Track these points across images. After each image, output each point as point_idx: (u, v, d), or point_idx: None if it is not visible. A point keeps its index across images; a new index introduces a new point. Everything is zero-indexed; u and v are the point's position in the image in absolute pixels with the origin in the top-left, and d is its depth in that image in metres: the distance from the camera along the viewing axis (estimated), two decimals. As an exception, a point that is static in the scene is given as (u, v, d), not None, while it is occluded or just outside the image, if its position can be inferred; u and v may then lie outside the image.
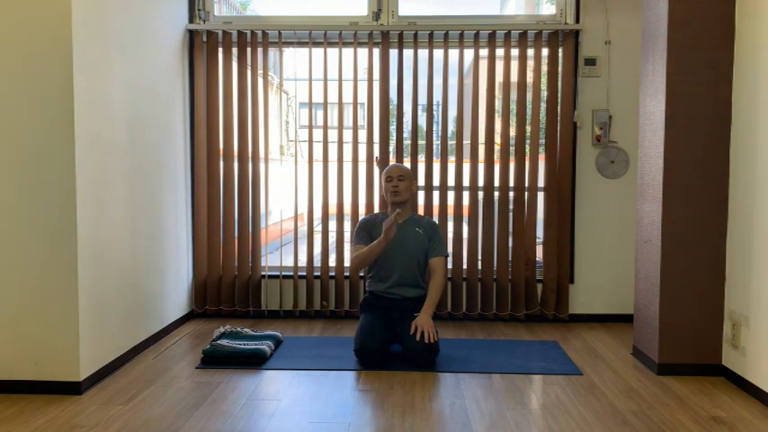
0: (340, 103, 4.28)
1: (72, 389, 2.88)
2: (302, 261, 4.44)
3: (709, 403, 2.82)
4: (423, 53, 4.25)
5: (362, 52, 4.29)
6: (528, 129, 4.26)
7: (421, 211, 4.27)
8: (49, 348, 2.87)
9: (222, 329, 3.66)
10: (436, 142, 4.38)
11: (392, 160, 4.30)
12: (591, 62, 4.21)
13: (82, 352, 2.89)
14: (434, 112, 4.33)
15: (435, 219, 4.26)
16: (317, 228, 4.44)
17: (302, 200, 4.40)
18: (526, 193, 4.25)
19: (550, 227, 4.22)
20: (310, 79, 4.28)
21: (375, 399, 2.87)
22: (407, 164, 4.33)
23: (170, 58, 3.98)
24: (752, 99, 2.95)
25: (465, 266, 4.30)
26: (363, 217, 3.82)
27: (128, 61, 3.39)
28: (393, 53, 4.26)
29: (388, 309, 3.52)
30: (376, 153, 4.32)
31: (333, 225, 4.36)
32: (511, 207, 4.26)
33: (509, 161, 4.25)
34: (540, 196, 4.27)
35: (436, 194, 4.30)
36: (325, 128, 4.35)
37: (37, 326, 2.87)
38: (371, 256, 3.46)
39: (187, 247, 4.30)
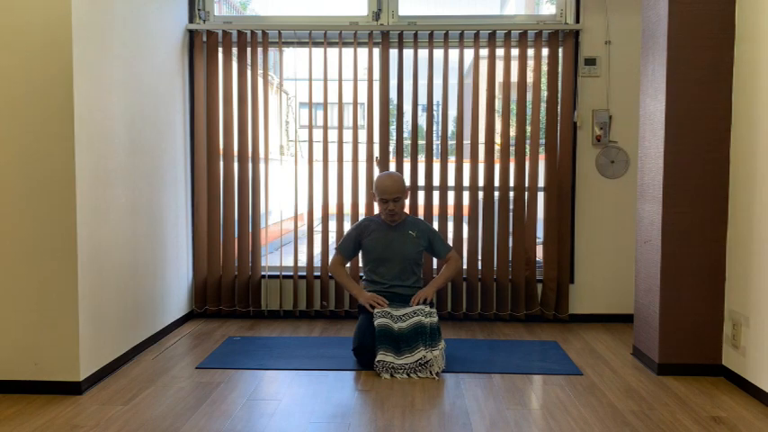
0: (340, 103, 4.28)
1: (72, 389, 2.87)
2: (302, 261, 4.43)
3: (709, 403, 2.82)
4: (423, 53, 4.25)
5: (362, 52, 4.29)
6: (528, 129, 4.25)
7: (421, 211, 4.27)
8: (49, 348, 2.87)
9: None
10: (436, 142, 4.38)
11: (392, 160, 4.29)
12: (591, 62, 4.21)
13: (82, 352, 2.89)
14: (434, 112, 4.33)
15: (435, 218, 4.27)
16: (317, 228, 4.44)
17: (302, 200, 4.40)
18: (526, 193, 4.25)
19: (550, 227, 4.22)
20: (310, 79, 4.28)
21: (375, 399, 2.87)
22: (407, 164, 4.33)
23: (170, 58, 3.98)
24: (752, 99, 2.95)
25: (465, 266, 4.30)
26: (359, 220, 3.82)
27: (128, 61, 3.39)
28: (393, 53, 4.26)
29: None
30: (376, 153, 4.32)
31: (333, 225, 4.36)
32: (511, 207, 4.26)
33: (509, 161, 4.24)
34: (540, 196, 4.27)
35: (436, 194, 4.30)
36: (325, 128, 4.35)
37: (37, 326, 2.86)
38: (341, 285, 3.80)
39: (187, 248, 4.30)
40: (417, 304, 3.39)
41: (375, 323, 3.26)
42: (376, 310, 3.33)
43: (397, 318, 3.28)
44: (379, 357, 3.18)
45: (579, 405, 2.79)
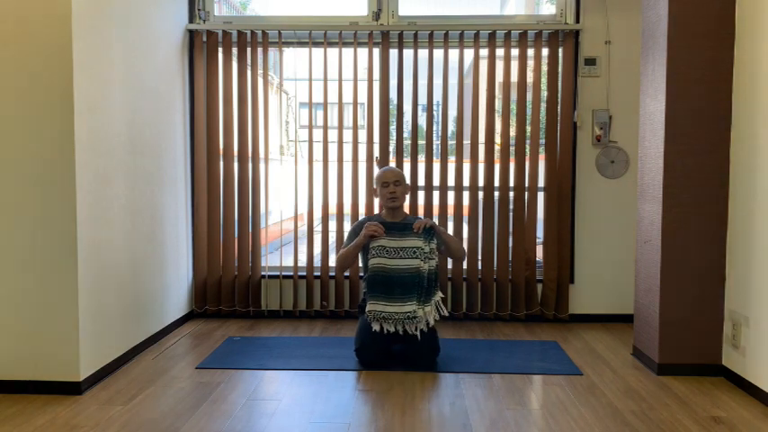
0: (340, 103, 4.28)
1: (72, 389, 2.88)
2: (302, 261, 4.44)
3: (709, 403, 2.82)
4: (423, 53, 4.25)
5: (362, 52, 4.29)
6: (528, 129, 4.25)
7: (421, 211, 4.27)
8: (49, 348, 2.87)
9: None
10: (436, 142, 4.38)
11: (392, 160, 4.30)
12: (591, 62, 4.21)
13: (82, 352, 2.89)
14: (434, 112, 4.33)
15: (435, 219, 4.26)
16: (317, 228, 4.44)
17: (302, 200, 4.40)
18: (526, 193, 4.25)
19: (550, 227, 4.22)
20: (310, 79, 4.28)
21: (375, 399, 2.87)
22: (407, 164, 4.33)
23: (170, 58, 3.98)
24: (752, 99, 2.95)
25: (465, 266, 4.30)
26: (359, 220, 3.81)
27: (128, 61, 3.39)
28: (393, 53, 4.26)
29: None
30: (376, 153, 4.32)
31: (333, 225, 4.36)
32: (511, 207, 4.26)
33: (509, 161, 4.24)
34: (540, 196, 4.27)
35: (436, 194, 4.30)
36: (325, 128, 4.35)
37: (37, 326, 2.87)
38: (349, 256, 3.48)
39: (187, 247, 4.30)
40: (421, 229, 3.30)
41: (369, 263, 3.32)
42: (372, 245, 3.33)
43: (392, 251, 3.30)
44: (369, 308, 3.27)
45: (579, 405, 2.79)
